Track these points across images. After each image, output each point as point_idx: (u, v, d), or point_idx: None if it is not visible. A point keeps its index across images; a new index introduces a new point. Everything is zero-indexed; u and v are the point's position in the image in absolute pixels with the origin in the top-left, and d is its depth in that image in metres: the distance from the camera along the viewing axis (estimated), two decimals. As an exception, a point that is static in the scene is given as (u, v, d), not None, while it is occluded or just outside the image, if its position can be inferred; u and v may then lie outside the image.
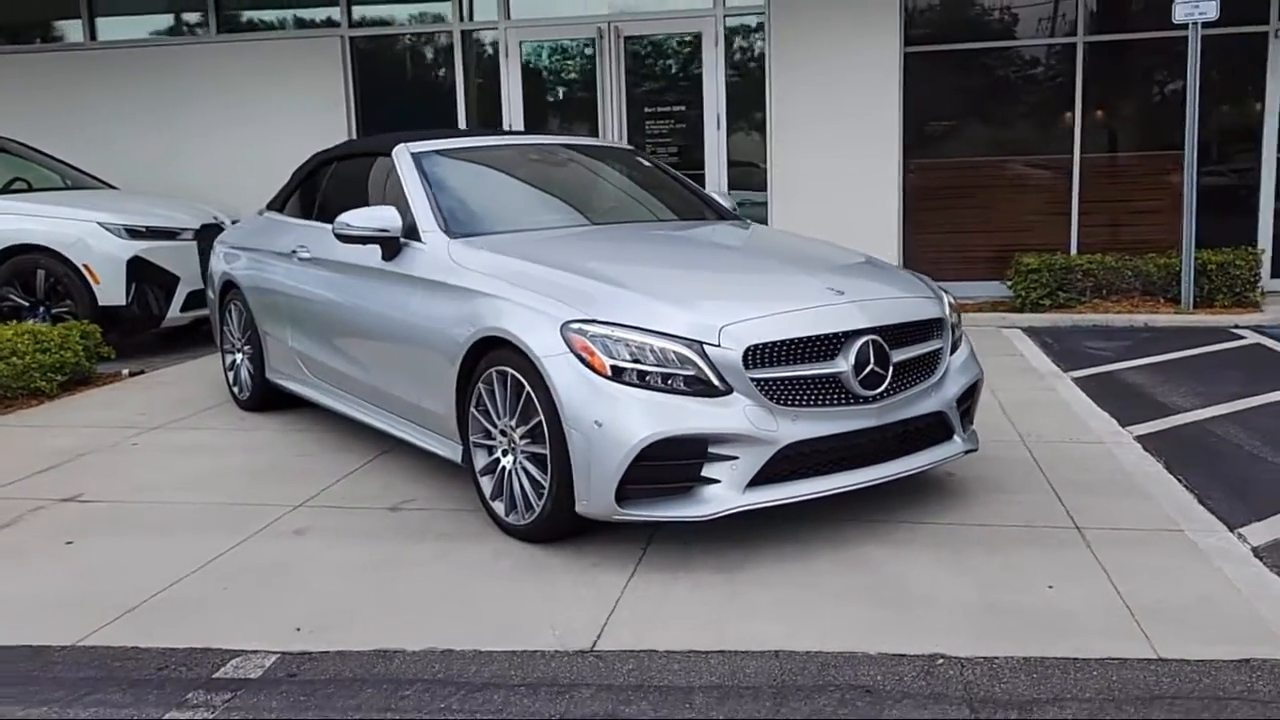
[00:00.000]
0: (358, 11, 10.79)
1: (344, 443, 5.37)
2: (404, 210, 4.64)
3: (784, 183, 9.91)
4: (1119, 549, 3.74)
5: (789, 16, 9.73)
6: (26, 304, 7.89)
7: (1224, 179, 9.90)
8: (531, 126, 10.49)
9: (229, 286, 6.24)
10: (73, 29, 11.27)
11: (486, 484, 4.09)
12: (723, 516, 3.60)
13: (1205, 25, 8.54)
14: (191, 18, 11.10)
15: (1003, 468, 4.71)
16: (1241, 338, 7.89)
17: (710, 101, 10.15)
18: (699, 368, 3.59)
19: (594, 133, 10.23)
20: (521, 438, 3.87)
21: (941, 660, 2.95)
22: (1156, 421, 5.50)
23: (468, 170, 5.16)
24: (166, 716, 2.74)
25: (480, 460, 4.11)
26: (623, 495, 3.56)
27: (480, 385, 4.01)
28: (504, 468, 3.99)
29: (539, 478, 3.80)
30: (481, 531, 4.05)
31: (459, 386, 4.15)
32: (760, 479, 3.63)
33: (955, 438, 4.20)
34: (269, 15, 11.02)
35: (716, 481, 3.60)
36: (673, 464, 3.57)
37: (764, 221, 9.58)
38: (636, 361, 3.59)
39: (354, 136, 10.66)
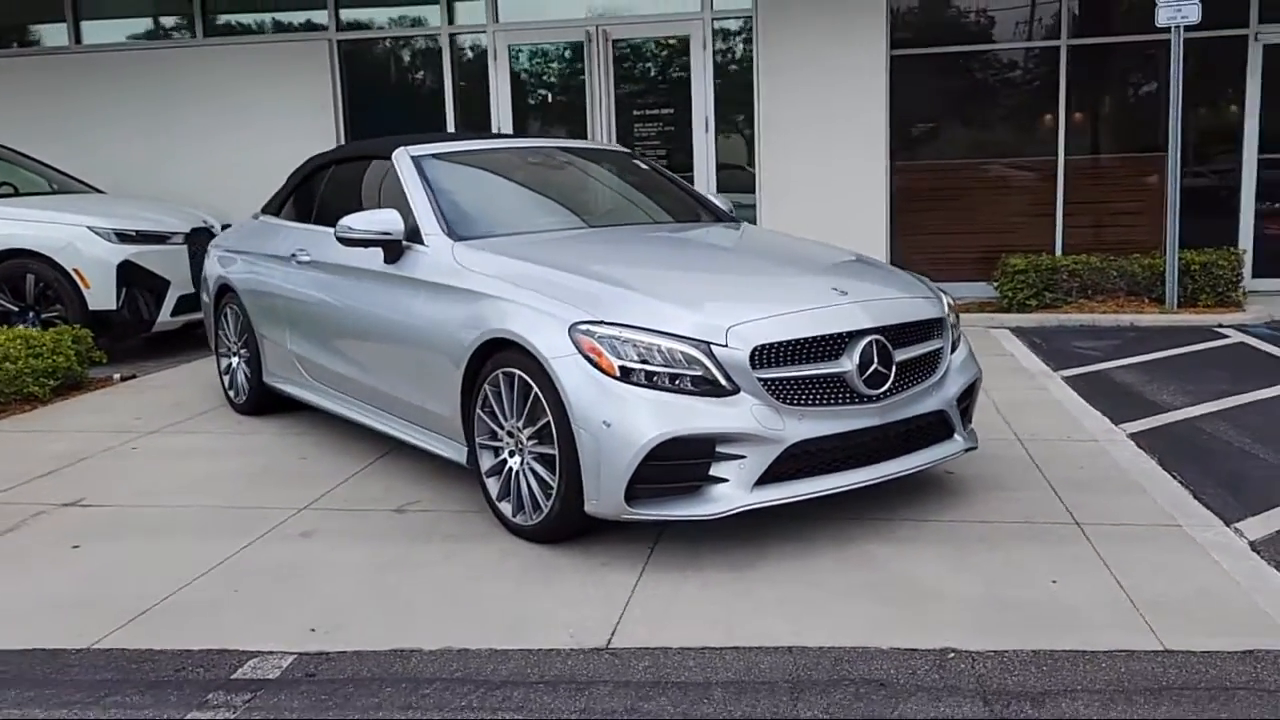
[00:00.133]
0: (346, 15, 10.78)
1: (343, 446, 5.38)
2: (405, 213, 4.66)
3: (772, 185, 9.98)
4: (1118, 544, 3.80)
5: (776, 19, 9.79)
6: (16, 309, 7.86)
7: (1205, 180, 10.04)
8: (520, 129, 10.51)
9: (225, 290, 6.24)
10: (57, 32, 11.20)
11: (493, 485, 4.12)
12: (729, 515, 3.64)
13: (1187, 28, 8.66)
14: (178, 21, 11.06)
15: (1000, 466, 4.77)
16: (1226, 337, 8.00)
17: (698, 104, 10.20)
18: (706, 368, 3.62)
19: (582, 136, 10.25)
20: (529, 439, 3.90)
21: (953, 654, 3.00)
22: (1148, 419, 5.58)
23: (467, 173, 5.19)
24: (188, 717, 2.76)
25: (486, 461, 4.13)
26: (632, 495, 3.60)
27: (486, 387, 4.04)
28: (511, 469, 4.02)
29: (547, 478, 3.83)
30: (488, 532, 4.08)
31: (464, 388, 4.17)
32: (767, 478, 3.68)
33: (956, 436, 4.26)
34: (256, 19, 11.00)
35: (724, 480, 3.64)
36: (681, 463, 3.60)
37: (753, 224, 9.62)
38: (644, 362, 3.63)
39: (342, 140, 10.65)
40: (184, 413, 6.27)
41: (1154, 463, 4.81)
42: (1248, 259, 9.60)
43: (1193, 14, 8.55)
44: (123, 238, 7.90)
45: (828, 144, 9.83)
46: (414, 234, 4.60)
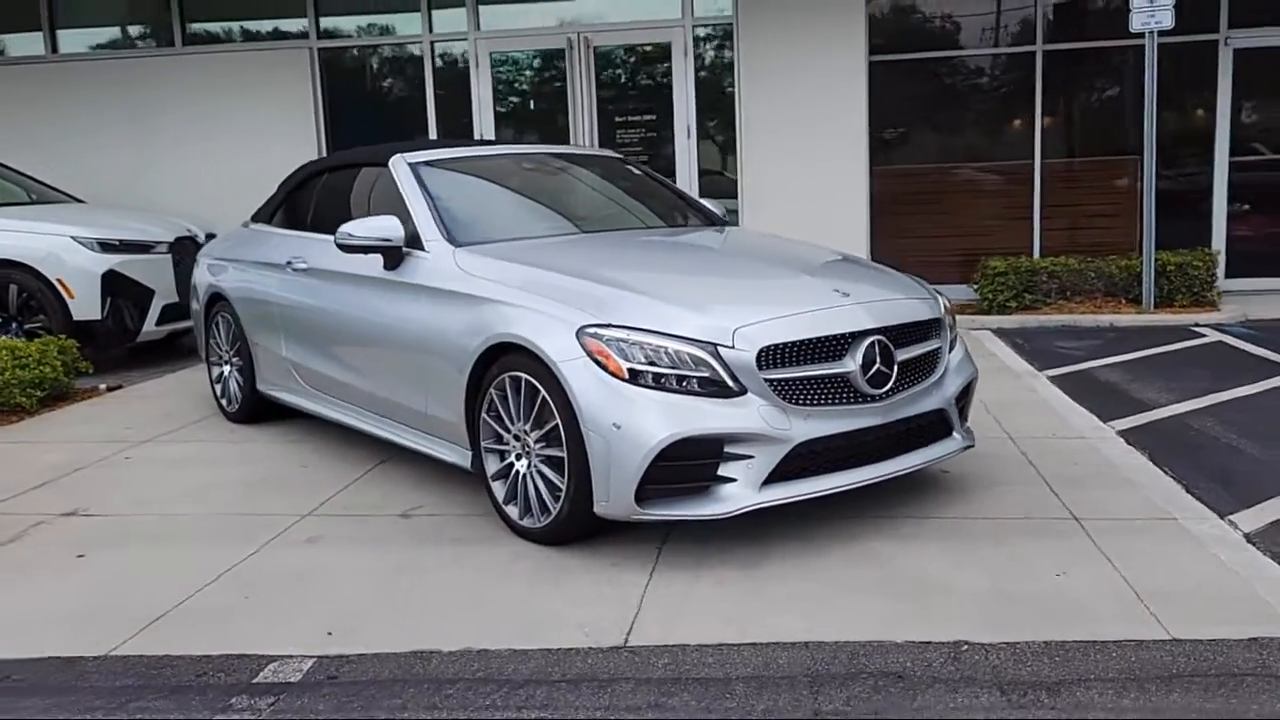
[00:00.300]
0: (326, 23, 10.76)
1: (341, 452, 5.38)
2: (405, 220, 4.68)
3: (754, 190, 10.06)
4: (1118, 537, 3.88)
5: (756, 26, 9.87)
6: (-1, 320, 7.80)
7: (1178, 183, 10.20)
8: (502, 137, 10.53)
9: (216, 298, 6.22)
10: (33, 42, 11.10)
11: (499, 488, 4.14)
12: (736, 515, 3.69)
13: (1160, 33, 8.81)
14: (156, 30, 11.00)
15: (995, 464, 4.85)
16: (1203, 336, 8.14)
17: (680, 110, 10.26)
18: (714, 369, 3.67)
19: (565, 142, 10.28)
20: (536, 442, 3.92)
21: (966, 646, 3.06)
22: (1135, 417, 5.68)
23: (464, 180, 5.21)
24: (213, 721, 2.77)
25: (492, 465, 4.15)
26: (642, 496, 3.63)
27: (492, 391, 4.06)
28: (517, 472, 4.04)
29: (555, 480, 3.85)
30: (495, 535, 4.10)
31: (469, 393, 4.19)
32: (774, 477, 3.72)
33: (954, 434, 4.33)
34: (236, 27, 10.96)
35: (733, 480, 3.68)
36: (690, 464, 3.64)
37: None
38: (652, 364, 3.67)
39: (324, 148, 10.63)
40: (175, 422, 6.24)
41: (1144, 458, 4.91)
42: (1221, 259, 9.77)
43: (1166, 19, 8.70)
44: (106, 247, 7.83)
45: (809, 148, 9.92)
46: (414, 240, 4.61)
